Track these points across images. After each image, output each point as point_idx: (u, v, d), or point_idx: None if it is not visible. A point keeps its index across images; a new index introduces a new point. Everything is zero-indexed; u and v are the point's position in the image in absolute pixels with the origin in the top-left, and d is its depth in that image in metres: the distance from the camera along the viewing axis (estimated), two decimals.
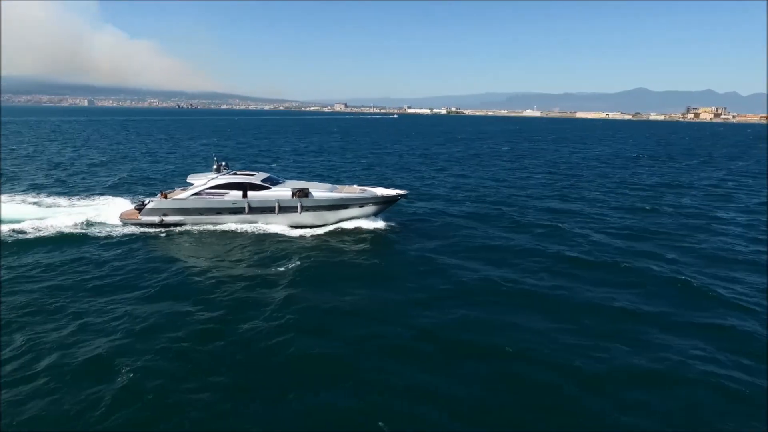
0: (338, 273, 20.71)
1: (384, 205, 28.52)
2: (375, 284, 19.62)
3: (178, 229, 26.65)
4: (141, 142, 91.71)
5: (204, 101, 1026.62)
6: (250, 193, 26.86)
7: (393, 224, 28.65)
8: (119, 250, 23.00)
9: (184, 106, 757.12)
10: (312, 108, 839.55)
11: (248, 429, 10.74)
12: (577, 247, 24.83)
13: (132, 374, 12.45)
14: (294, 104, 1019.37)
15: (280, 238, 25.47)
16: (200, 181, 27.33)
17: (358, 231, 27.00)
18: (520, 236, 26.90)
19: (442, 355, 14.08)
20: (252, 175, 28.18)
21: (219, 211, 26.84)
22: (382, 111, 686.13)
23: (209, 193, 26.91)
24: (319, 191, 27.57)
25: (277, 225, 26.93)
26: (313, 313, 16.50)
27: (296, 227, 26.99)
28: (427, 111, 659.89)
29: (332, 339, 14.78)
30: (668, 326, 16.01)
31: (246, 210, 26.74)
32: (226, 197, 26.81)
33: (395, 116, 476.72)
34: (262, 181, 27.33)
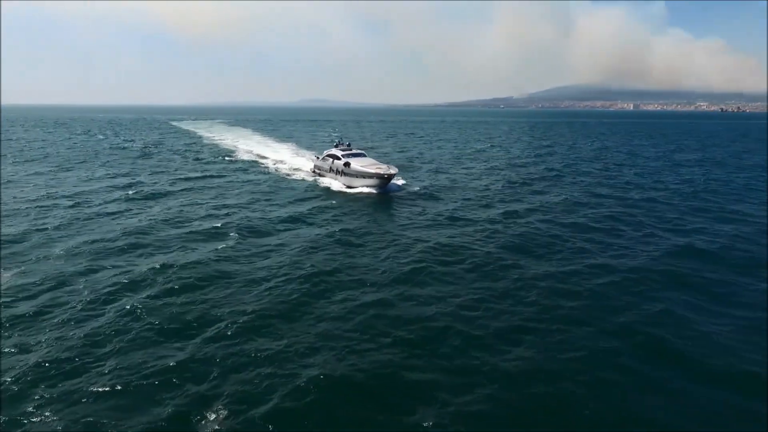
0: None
1: (383, 180, 39.46)
2: None
3: (320, 178, 48.32)
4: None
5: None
6: (335, 161, 45.08)
7: None
8: (301, 182, 47.42)
9: (728, 110, 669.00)
10: None
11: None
12: None
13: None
14: None
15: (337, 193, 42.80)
16: (326, 152, 48.00)
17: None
18: None
19: None
20: (344, 151, 45.61)
21: (326, 169, 46.71)
22: None
23: (324, 159, 47.17)
24: (357, 165, 41.99)
25: (336, 182, 43.99)
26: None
27: (344, 185, 43.04)
28: None
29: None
30: None
31: (329, 170, 45.43)
32: (327, 162, 46.29)
33: None
34: (342, 155, 44.57)
